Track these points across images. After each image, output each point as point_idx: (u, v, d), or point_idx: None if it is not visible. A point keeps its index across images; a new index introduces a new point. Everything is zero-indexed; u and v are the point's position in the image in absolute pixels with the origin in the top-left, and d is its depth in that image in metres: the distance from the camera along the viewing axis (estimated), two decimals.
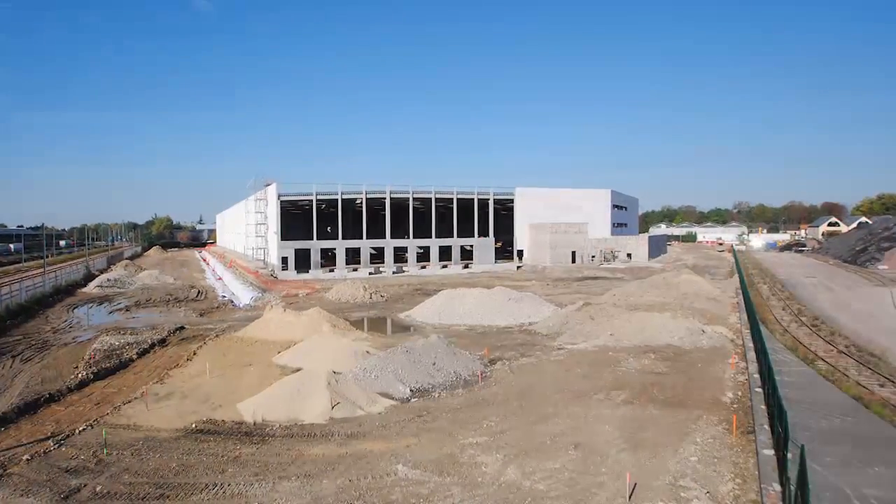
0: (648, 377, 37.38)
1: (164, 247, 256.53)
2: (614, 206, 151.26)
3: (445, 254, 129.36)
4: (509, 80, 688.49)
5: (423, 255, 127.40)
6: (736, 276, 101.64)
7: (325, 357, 40.41)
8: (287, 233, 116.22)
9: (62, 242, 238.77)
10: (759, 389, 33.29)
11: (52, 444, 26.49)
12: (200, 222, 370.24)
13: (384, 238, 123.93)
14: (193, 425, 29.14)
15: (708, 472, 22.98)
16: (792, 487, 19.52)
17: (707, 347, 45.91)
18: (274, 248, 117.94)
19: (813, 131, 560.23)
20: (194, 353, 45.80)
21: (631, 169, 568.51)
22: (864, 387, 36.26)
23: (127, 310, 70.68)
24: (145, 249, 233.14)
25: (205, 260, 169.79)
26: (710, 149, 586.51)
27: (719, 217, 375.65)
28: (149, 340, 50.24)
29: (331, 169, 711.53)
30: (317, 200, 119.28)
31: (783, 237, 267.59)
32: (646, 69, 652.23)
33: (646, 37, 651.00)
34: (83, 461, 24.75)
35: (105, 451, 25.51)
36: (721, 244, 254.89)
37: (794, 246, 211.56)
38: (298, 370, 37.47)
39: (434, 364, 37.89)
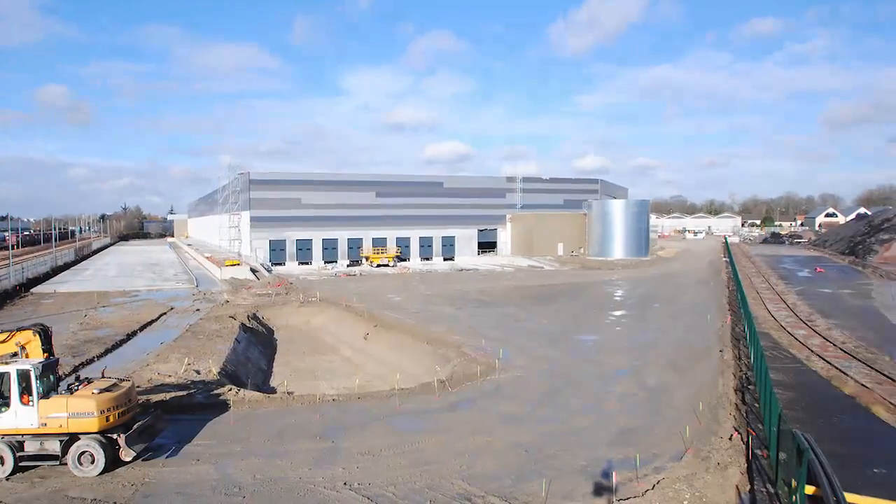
0: (639, 376, 37.57)
1: (133, 238, 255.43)
2: (604, 197, 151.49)
3: (426, 243, 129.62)
4: (496, 66, 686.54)
5: (403, 244, 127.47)
6: (729, 269, 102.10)
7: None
8: (261, 224, 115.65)
9: (26, 234, 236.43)
10: (753, 387, 33.45)
11: None
12: (171, 212, 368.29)
13: (362, 227, 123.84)
14: None
15: (699, 472, 23.05)
16: (787, 488, 19.60)
17: (699, 345, 46.20)
18: (247, 241, 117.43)
19: (811, 121, 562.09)
20: (164, 351, 45.60)
21: (620, 158, 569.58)
22: (862, 385, 36.42)
23: (95, 306, 70.08)
24: (115, 241, 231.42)
25: (175, 251, 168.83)
26: (703, 138, 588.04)
27: (712, 209, 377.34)
28: (116, 337, 49.98)
29: (312, 160, 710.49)
30: (292, 187, 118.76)
31: (777, 230, 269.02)
32: (639, 59, 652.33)
33: (635, 24, 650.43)
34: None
35: None
36: (710, 234, 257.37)
37: (791, 237, 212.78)
38: None
39: None
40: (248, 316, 63.34)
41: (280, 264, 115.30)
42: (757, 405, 29.89)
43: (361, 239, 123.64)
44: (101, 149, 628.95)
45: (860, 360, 42.55)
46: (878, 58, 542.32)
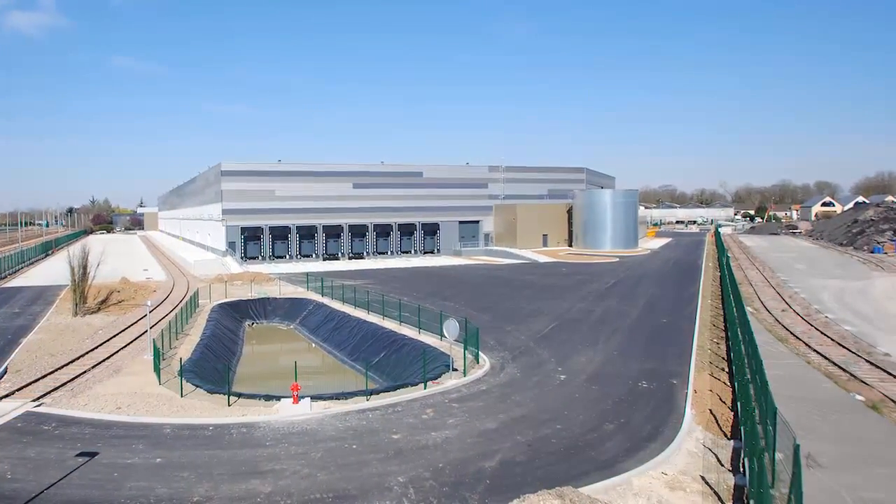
0: (631, 373, 37.67)
1: (98, 231, 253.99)
2: (589, 186, 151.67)
3: (406, 232, 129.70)
4: (480, 57, 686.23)
5: (383, 232, 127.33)
6: (721, 262, 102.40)
7: None
8: (233, 217, 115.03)
9: None
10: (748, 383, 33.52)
11: None
12: (141, 205, 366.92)
13: (339, 220, 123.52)
14: None
15: (691, 472, 23.09)
16: (784, 490, 19.64)
17: (695, 339, 46.38)
18: (219, 234, 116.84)
19: (807, 108, 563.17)
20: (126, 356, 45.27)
21: (608, 146, 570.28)
22: (863, 382, 36.59)
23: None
24: (86, 234, 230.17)
25: (146, 244, 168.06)
26: (694, 126, 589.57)
27: (703, 198, 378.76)
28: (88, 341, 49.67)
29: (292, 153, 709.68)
30: (266, 178, 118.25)
31: (776, 221, 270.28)
32: (626, 45, 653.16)
33: (623, 9, 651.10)
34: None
35: None
36: (698, 223, 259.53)
37: (788, 228, 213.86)
38: None
39: None
40: (221, 311, 63.06)
41: (254, 258, 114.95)
42: (754, 404, 29.94)
43: (340, 233, 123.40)
44: (69, 137, 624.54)
45: (861, 356, 42.81)
46: (876, 44, 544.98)
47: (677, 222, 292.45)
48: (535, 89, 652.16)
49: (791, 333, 50.61)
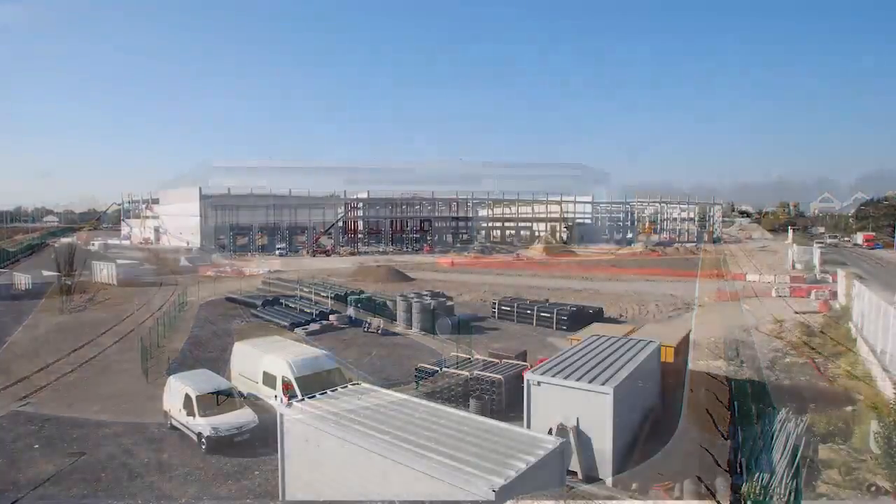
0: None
1: (80, 229, 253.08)
2: (585, 183, 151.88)
3: (399, 228, 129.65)
4: (477, 54, 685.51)
5: (376, 228, 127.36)
6: (718, 259, 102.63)
7: None
8: (223, 214, 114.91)
9: None
10: (744, 382, 33.54)
11: None
12: (130, 201, 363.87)
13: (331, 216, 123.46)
14: None
15: (687, 473, 23.09)
16: (782, 492, 19.64)
17: (690, 339, 46.36)
18: (211, 229, 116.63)
19: (806, 105, 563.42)
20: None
21: (605, 143, 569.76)
22: (862, 380, 36.60)
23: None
24: (73, 231, 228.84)
25: (134, 240, 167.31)
26: (692, 123, 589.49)
27: (701, 196, 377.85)
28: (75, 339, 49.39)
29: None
30: (256, 174, 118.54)
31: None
32: (625, 41, 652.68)
33: (621, 4, 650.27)
34: None
35: None
36: (695, 220, 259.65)
37: (786, 225, 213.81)
38: None
39: None
40: (210, 309, 62.83)
41: (244, 254, 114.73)
42: (752, 404, 29.95)
43: (332, 229, 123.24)
44: (59, 133, 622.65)
45: (858, 354, 42.85)
46: (876, 42, 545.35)
47: (674, 219, 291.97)
48: (533, 88, 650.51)
49: (789, 330, 50.62)
